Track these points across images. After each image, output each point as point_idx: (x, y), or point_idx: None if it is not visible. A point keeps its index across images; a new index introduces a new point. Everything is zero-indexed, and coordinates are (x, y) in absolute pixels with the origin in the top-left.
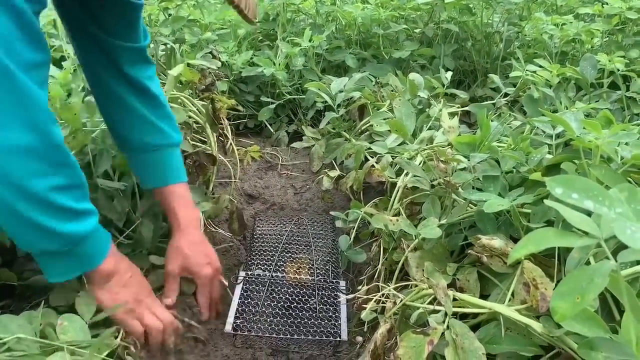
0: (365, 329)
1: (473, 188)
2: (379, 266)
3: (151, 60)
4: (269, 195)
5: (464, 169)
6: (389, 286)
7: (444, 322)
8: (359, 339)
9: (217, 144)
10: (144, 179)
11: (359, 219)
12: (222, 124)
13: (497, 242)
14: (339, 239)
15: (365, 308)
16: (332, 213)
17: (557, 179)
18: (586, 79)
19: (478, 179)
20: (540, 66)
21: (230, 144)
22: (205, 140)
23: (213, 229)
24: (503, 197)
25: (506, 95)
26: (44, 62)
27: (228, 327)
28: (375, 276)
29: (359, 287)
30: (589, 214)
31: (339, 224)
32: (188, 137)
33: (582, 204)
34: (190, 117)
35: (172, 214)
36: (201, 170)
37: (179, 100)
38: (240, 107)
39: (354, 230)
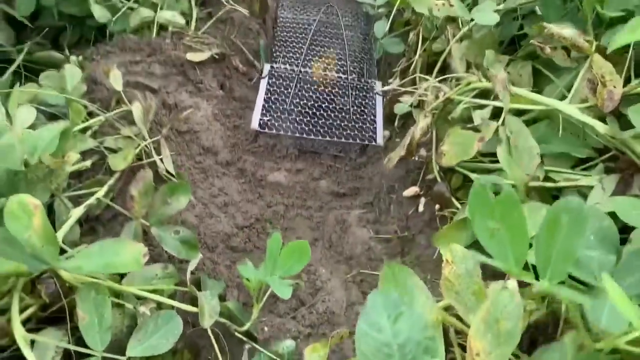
0: (395, 123)
1: None
2: (416, 57)
3: None
4: None
5: None
6: (430, 79)
7: (496, 118)
8: (386, 133)
9: None
10: None
11: (396, 5)
12: None
13: (568, 31)
14: (374, 25)
15: (398, 101)
16: None
17: None
18: None
19: None
20: None
21: None
22: None
23: (231, 6)
24: None
25: None
26: None
27: (255, 124)
28: (412, 69)
29: (390, 80)
30: None
31: (368, 10)
32: None
33: None
34: None
35: None
36: None
37: None
38: None
39: (389, 20)
